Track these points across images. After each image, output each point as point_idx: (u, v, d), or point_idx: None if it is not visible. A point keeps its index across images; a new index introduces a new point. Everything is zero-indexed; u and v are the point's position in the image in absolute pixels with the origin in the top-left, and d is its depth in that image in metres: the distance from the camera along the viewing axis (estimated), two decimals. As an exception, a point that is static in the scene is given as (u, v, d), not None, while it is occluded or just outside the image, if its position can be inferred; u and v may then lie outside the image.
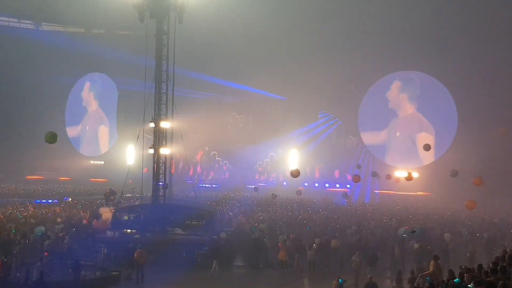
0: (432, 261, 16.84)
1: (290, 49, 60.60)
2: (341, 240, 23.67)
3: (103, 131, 77.74)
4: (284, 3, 56.95)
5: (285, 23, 59.15)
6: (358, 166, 47.95)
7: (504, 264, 12.93)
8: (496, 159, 47.80)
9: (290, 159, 66.30)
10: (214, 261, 21.48)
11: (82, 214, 30.28)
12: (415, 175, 55.00)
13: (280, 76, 59.96)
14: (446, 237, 24.68)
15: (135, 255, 20.03)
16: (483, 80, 51.56)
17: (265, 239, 24.23)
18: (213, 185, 65.24)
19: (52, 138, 19.65)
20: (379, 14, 55.32)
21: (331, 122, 67.60)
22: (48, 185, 58.35)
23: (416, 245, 22.60)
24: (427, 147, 32.03)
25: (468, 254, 21.62)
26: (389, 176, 36.96)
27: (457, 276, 13.47)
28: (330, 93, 60.54)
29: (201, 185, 63.97)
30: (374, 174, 42.91)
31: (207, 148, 71.06)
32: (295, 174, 28.72)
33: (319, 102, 65.96)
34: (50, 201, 39.73)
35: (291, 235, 24.30)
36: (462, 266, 14.40)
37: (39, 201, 38.97)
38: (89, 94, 78.45)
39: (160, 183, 26.69)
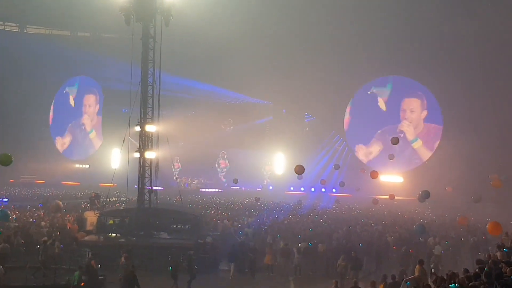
0: (417, 266, 16.81)
1: (276, 53, 60.64)
2: (327, 244, 23.74)
3: (88, 134, 77.27)
4: (271, 8, 57.03)
5: (271, 28, 59.34)
6: (337, 167, 47.28)
7: (486, 269, 13.03)
8: (480, 164, 48.08)
9: (276, 163, 66.40)
10: (232, 264, 21.62)
11: (67, 217, 30.00)
12: (400, 179, 55.65)
13: (265, 81, 59.88)
14: (430, 241, 24.82)
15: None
16: (468, 84, 51.91)
17: (250, 243, 24.22)
18: (218, 190, 64.85)
19: (5, 160, 19.29)
20: (366, 18, 55.69)
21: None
22: (32, 188, 57.80)
23: (439, 250, 22.77)
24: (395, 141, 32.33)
25: (431, 265, 20.65)
26: (375, 201, 37.34)
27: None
28: (316, 97, 60.78)
29: (203, 189, 63.79)
30: (337, 167, 45.85)
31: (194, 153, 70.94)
32: (299, 170, 28.20)
33: (305, 106, 66.07)
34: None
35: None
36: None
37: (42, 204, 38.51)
38: (74, 97, 77.96)
39: (148, 187, 26.57)
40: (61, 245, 21.80)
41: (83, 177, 65.84)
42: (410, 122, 61.80)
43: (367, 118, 63.51)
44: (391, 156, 38.21)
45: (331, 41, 58.40)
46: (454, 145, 50.90)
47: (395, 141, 32.18)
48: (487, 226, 20.33)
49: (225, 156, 72.32)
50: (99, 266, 18.86)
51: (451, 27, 51.92)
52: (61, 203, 29.13)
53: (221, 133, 71.08)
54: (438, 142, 59.09)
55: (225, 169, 71.86)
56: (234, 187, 64.89)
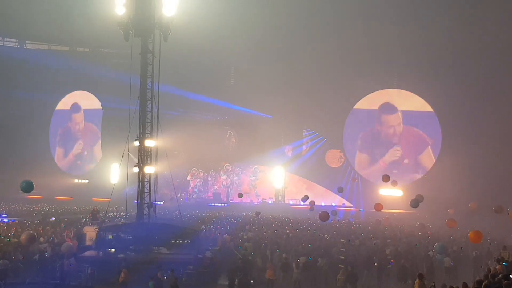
0: (417, 280, 16.76)
1: (276, 67, 60.74)
2: (327, 259, 23.63)
3: (87, 150, 77.22)
4: (270, 21, 57.28)
5: (270, 41, 59.60)
6: (341, 189, 46.62)
7: (487, 282, 13.02)
8: (479, 178, 48.07)
9: (275, 177, 66.28)
10: (236, 278, 21.54)
11: (66, 233, 29.92)
12: (399, 193, 55.56)
13: (265, 94, 59.97)
14: (431, 254, 24.76)
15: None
16: (467, 97, 52.09)
17: (249, 258, 24.12)
18: (225, 205, 64.54)
19: (28, 187, 19.58)
20: (365, 32, 55.94)
21: (316, 140, 67.77)
22: (31, 204, 57.54)
23: (449, 262, 22.82)
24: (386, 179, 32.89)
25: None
26: (386, 220, 37.54)
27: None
28: (316, 111, 61.00)
29: (211, 204, 63.53)
30: (305, 198, 40.29)
31: (194, 168, 70.83)
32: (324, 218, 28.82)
33: (304, 120, 66.17)
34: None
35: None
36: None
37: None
38: (73, 112, 77.96)
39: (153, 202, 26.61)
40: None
41: (77, 192, 65.69)
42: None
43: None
44: (394, 183, 38.30)
45: (332, 56, 58.59)
46: (454, 158, 51.01)
47: (387, 179, 32.74)
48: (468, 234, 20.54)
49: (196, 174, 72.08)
50: (165, 277, 19.59)
51: (451, 39, 52.14)
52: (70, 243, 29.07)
53: (221, 147, 70.96)
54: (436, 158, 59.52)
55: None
56: (234, 202, 64.80)
